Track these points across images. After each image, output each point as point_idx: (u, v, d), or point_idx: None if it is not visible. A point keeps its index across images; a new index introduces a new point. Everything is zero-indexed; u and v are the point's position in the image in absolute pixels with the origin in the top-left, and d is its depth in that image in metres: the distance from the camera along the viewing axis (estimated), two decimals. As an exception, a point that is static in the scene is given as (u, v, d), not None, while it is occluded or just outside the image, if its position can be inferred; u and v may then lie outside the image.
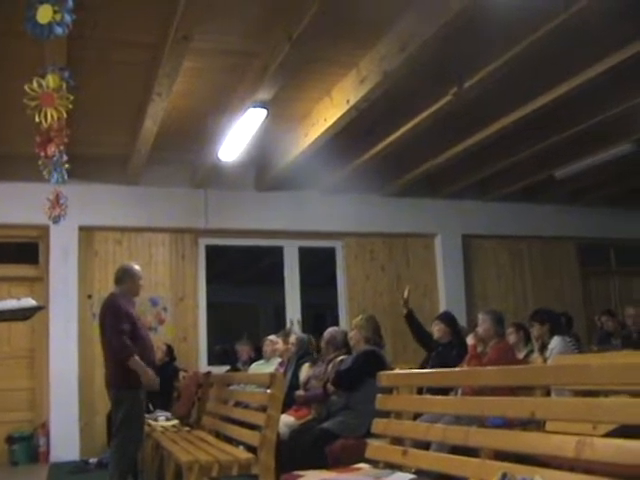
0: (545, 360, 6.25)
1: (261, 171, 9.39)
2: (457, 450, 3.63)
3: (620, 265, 12.18)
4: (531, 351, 7.09)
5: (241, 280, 15.25)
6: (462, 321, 8.53)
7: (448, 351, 6.60)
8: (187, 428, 6.97)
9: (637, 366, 3.01)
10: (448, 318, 6.99)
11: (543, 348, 6.60)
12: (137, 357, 5.29)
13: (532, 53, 5.74)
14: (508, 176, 9.84)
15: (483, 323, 6.13)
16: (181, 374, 8.39)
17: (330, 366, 6.31)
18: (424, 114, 7.04)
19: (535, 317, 7.00)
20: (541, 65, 6.30)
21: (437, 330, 6.89)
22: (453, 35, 5.35)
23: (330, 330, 6.77)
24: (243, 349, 8.77)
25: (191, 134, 8.08)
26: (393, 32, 5.78)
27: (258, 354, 8.44)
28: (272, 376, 5.18)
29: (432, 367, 6.30)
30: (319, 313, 12.37)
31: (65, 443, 8.35)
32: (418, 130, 7.44)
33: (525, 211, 10.92)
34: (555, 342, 6.49)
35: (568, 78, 6.49)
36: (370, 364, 5.63)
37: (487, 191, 10.48)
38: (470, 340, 6.07)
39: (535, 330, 6.91)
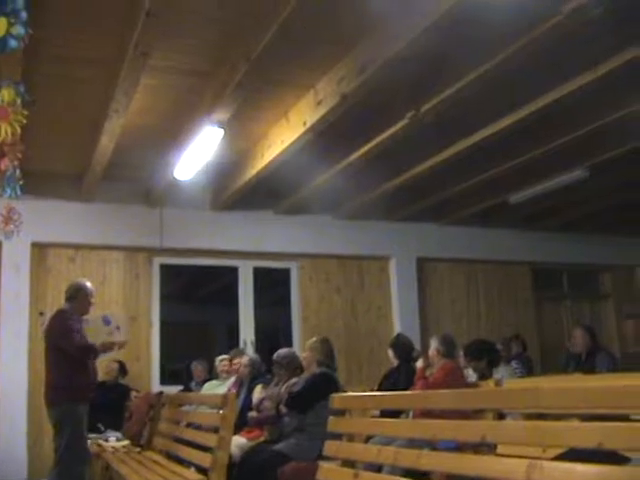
0: (497, 382, 6.29)
1: (217, 191, 9.35)
2: (410, 473, 3.62)
3: (572, 290, 12.35)
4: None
5: (195, 299, 15.16)
6: (416, 343, 8.57)
7: (399, 374, 6.62)
8: (138, 449, 6.90)
9: (586, 390, 3.03)
10: (400, 342, 7.03)
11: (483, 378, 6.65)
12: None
13: (489, 79, 5.80)
14: (463, 200, 9.91)
15: (432, 346, 6.20)
16: (133, 394, 8.30)
17: (283, 387, 6.29)
18: (381, 137, 7.07)
19: (471, 353, 7.06)
20: (498, 91, 6.36)
21: (391, 355, 6.93)
22: (411, 59, 5.39)
23: (281, 351, 6.75)
24: (198, 369, 8.71)
25: (147, 152, 8.03)
26: (351, 55, 5.81)
27: (212, 374, 8.39)
28: (224, 397, 5.14)
29: (384, 390, 6.31)
30: (273, 333, 12.32)
31: (12, 463, 8.16)
32: (375, 153, 7.46)
33: (480, 235, 11.02)
34: (502, 371, 6.57)
35: (523, 105, 6.59)
36: (323, 386, 5.63)
37: (442, 214, 10.55)
38: (420, 363, 6.12)
39: (472, 366, 6.98)
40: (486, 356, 7.00)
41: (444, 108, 6.41)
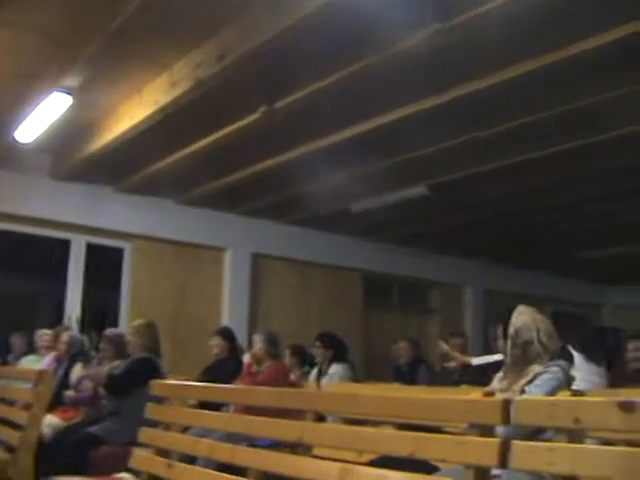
0: (319, 385, 6.39)
1: (59, 160, 8.96)
2: (227, 468, 3.61)
3: (401, 302, 12.71)
4: (307, 373, 7.24)
5: (22, 269, 14.55)
6: (243, 338, 8.58)
7: (224, 366, 6.61)
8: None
9: (401, 400, 3.12)
10: (227, 333, 7.02)
11: (321, 373, 6.76)
12: None
13: (344, 87, 5.90)
14: (305, 202, 9.98)
15: (257, 344, 6.23)
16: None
17: (106, 368, 6.13)
18: (232, 127, 7.02)
19: (322, 339, 7.16)
20: (353, 100, 6.47)
21: (215, 345, 6.90)
22: (271, 54, 5.38)
23: (109, 331, 6.59)
24: (17, 342, 8.37)
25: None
26: (212, 41, 5.73)
27: (32, 348, 8.08)
28: (40, 373, 4.95)
29: (206, 381, 6.28)
30: (102, 313, 12.01)
31: None
32: (224, 142, 7.40)
33: (319, 238, 11.17)
34: (337, 368, 6.67)
35: (375, 116, 6.72)
36: (145, 371, 5.53)
37: (283, 213, 10.61)
38: (247, 359, 6.14)
39: (319, 353, 7.07)
40: (332, 348, 7.12)
41: (297, 108, 6.44)
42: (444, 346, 7.79)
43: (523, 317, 4.13)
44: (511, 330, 4.08)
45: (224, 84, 6.02)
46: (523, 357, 4.02)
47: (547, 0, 4.18)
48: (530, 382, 3.87)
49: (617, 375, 7.19)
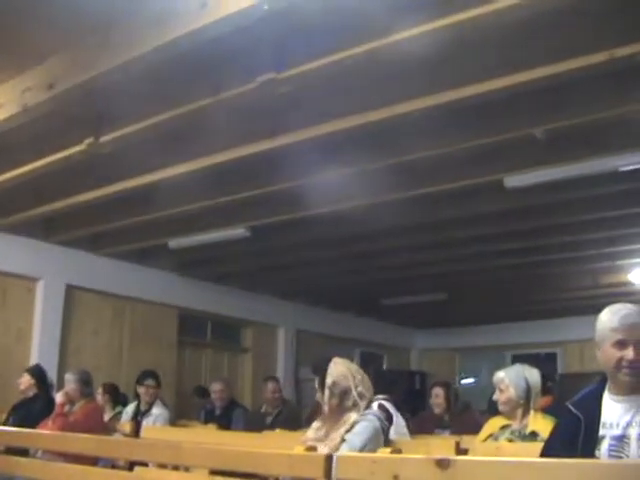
0: (137, 425, 6.28)
1: None
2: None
3: (215, 339, 12.73)
4: (119, 413, 7.09)
5: None
6: (53, 373, 8.30)
7: (32, 405, 6.41)
8: None
9: (226, 452, 3.16)
10: (37, 371, 6.82)
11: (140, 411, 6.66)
12: None
13: (170, 127, 5.93)
14: (123, 235, 9.86)
15: (69, 383, 6.09)
16: None
17: None
18: (56, 156, 6.83)
19: (154, 377, 7.07)
20: (178, 139, 6.51)
21: (23, 382, 6.70)
22: (101, 88, 5.32)
23: None
24: None
25: None
26: (42, 67, 5.59)
27: None
28: None
29: (14, 421, 6.06)
30: None
31: None
32: (46, 171, 7.17)
33: (135, 272, 10.97)
34: (160, 410, 6.58)
35: (200, 157, 6.77)
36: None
37: (101, 245, 10.36)
38: (59, 398, 5.97)
39: (149, 392, 6.97)
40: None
41: (123, 144, 6.37)
42: None
43: (339, 367, 4.32)
44: (329, 380, 4.24)
45: (51, 112, 5.87)
46: (340, 406, 4.19)
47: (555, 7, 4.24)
48: (348, 430, 4.01)
49: (423, 420, 7.54)
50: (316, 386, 4.37)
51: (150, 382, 7.42)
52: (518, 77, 4.88)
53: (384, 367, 16.69)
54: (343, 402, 4.18)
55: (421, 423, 7.49)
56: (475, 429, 5.63)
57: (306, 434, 4.40)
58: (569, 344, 15.28)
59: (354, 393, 4.18)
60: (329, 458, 2.61)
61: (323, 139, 6.06)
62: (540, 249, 10.09)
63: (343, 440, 3.94)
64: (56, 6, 4.72)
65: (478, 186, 7.27)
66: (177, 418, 8.99)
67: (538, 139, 5.99)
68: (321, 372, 4.32)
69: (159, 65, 4.91)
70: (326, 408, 4.27)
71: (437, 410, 7.73)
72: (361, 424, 4.03)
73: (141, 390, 7.51)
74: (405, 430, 5.29)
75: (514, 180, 6.85)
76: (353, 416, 4.09)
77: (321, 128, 5.84)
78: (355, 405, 4.17)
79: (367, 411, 4.14)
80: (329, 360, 4.37)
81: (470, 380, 17.11)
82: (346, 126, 5.73)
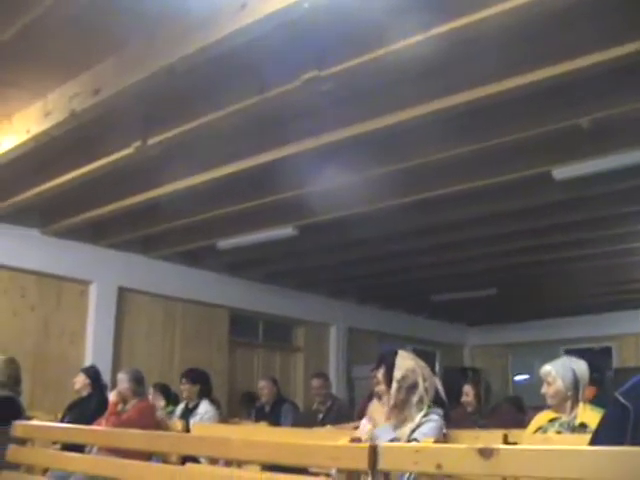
0: (187, 424, 6.31)
1: None
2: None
3: (266, 339, 12.77)
4: (171, 412, 7.15)
5: None
6: (107, 374, 8.41)
7: (87, 404, 6.48)
8: None
9: (271, 445, 3.17)
10: (91, 371, 6.90)
11: (188, 410, 6.70)
12: None
13: (215, 127, 6.00)
14: (173, 237, 9.97)
15: (122, 383, 6.13)
16: None
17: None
18: (104, 161, 6.93)
19: (188, 375, 7.10)
20: (219, 141, 6.58)
21: (78, 381, 6.77)
22: (147, 91, 5.39)
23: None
24: None
25: None
26: (89, 74, 5.68)
27: None
28: None
29: (69, 420, 6.14)
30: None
31: None
32: (95, 175, 7.28)
33: (186, 274, 11.08)
34: (207, 407, 6.61)
35: (244, 157, 6.83)
36: (3, 411, 5.30)
37: (152, 247, 10.49)
38: (112, 397, 6.03)
39: (185, 389, 7.01)
40: (199, 383, 7.07)
41: (170, 146, 6.44)
42: None
43: (408, 361, 4.20)
44: (397, 374, 4.13)
45: (98, 117, 5.96)
46: (405, 401, 4.10)
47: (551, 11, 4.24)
48: (413, 430, 3.96)
49: (458, 417, 7.44)
50: (379, 377, 4.26)
51: (184, 381, 7.42)
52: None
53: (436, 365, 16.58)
54: (410, 397, 4.08)
55: (458, 421, 7.37)
56: (511, 425, 5.44)
57: (367, 427, 4.16)
58: (625, 338, 15.05)
59: (421, 388, 4.09)
60: (374, 449, 2.61)
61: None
62: (590, 241, 9.95)
63: (414, 439, 3.86)
64: (99, 12, 4.80)
65: (525, 179, 7.20)
66: (229, 417, 9.04)
67: (584, 129, 5.90)
68: (387, 365, 4.21)
69: (204, 66, 4.96)
70: (392, 402, 4.13)
71: (469, 408, 7.63)
72: (428, 425, 3.96)
73: (181, 389, 7.58)
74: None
75: (563, 172, 6.76)
76: (416, 413, 4.03)
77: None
78: (421, 401, 4.07)
79: (430, 410, 4.07)
80: (394, 353, 4.25)
81: (524, 377, 16.90)
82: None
